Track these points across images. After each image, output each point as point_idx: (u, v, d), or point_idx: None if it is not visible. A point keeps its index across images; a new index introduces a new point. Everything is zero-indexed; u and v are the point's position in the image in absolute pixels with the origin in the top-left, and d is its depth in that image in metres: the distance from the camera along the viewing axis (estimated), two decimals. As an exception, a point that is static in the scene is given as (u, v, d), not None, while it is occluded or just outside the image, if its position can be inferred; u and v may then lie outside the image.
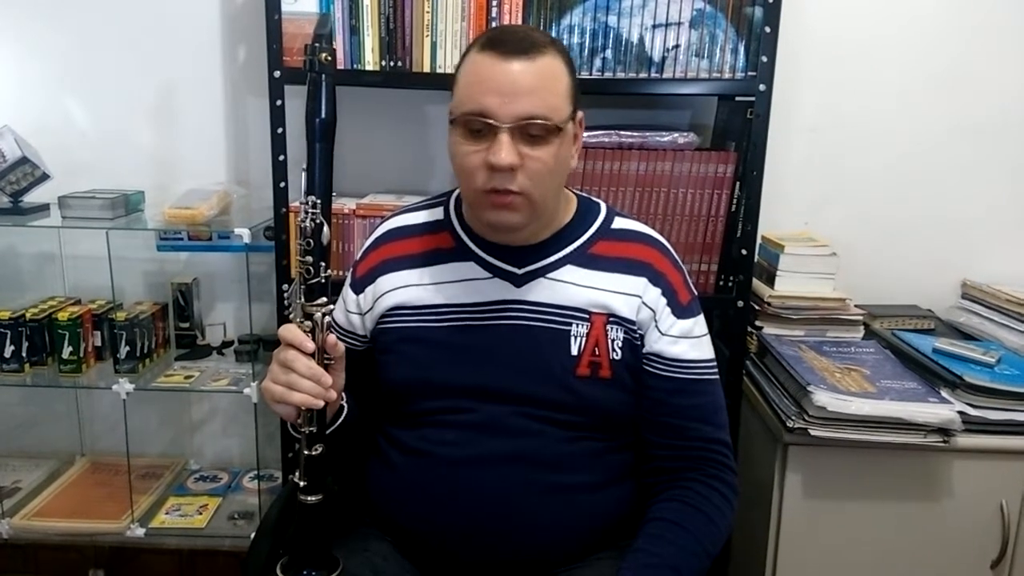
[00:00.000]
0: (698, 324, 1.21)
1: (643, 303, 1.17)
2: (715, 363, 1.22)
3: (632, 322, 1.17)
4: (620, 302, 1.16)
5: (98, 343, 1.89)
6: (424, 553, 1.19)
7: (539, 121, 1.05)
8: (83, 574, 2.08)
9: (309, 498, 1.07)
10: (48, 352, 1.86)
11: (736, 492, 1.19)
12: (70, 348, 1.83)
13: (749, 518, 1.61)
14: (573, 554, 1.17)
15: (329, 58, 1.02)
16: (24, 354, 1.83)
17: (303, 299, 1.05)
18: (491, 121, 1.04)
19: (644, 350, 1.18)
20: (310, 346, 1.03)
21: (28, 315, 1.83)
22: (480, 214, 1.13)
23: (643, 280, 1.18)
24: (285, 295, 1.08)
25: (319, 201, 1.03)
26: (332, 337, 1.06)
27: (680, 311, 1.18)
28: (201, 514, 1.94)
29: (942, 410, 1.41)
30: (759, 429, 1.61)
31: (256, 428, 1.89)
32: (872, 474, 1.48)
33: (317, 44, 1.00)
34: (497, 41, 1.06)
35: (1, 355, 1.82)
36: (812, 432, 1.42)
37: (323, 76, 1.02)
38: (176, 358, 1.97)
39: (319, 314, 1.04)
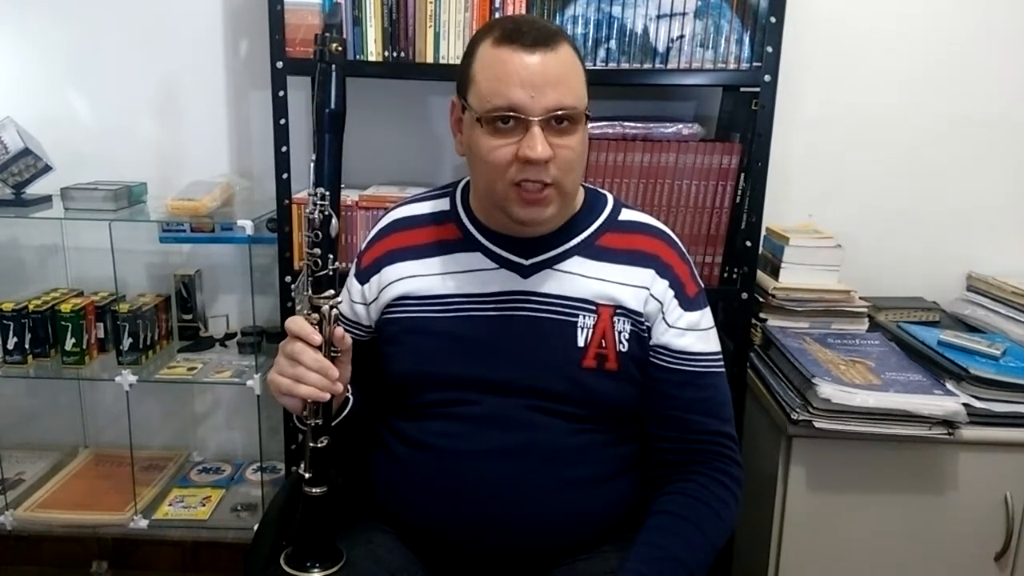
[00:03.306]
0: (705, 317, 1.21)
1: (651, 295, 1.17)
2: (721, 356, 1.22)
3: (640, 314, 1.16)
4: (628, 294, 1.16)
5: (101, 335, 1.89)
6: (428, 545, 1.19)
7: (569, 111, 1.05)
8: (86, 566, 2.08)
9: (314, 490, 1.07)
10: (51, 344, 1.86)
11: (740, 485, 1.19)
12: (73, 340, 1.83)
13: (753, 510, 1.61)
14: (577, 547, 1.17)
15: (340, 48, 1.01)
16: (27, 346, 1.83)
17: (310, 291, 1.04)
18: (521, 115, 1.04)
19: (651, 342, 1.18)
20: (317, 338, 1.03)
21: (31, 307, 1.83)
22: (510, 209, 1.11)
23: (650, 272, 1.18)
24: (292, 288, 1.07)
25: (327, 193, 1.03)
26: (340, 330, 1.06)
27: (687, 304, 1.18)
28: (204, 506, 1.94)
29: (947, 402, 1.41)
30: (763, 421, 1.61)
31: (259, 420, 1.89)
32: (877, 466, 1.48)
33: (328, 34, 1.00)
34: (514, 33, 1.05)
35: (4, 347, 1.82)
36: (816, 424, 1.42)
37: (333, 66, 1.01)
38: (179, 350, 1.97)
39: (326, 306, 1.04)
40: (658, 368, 1.18)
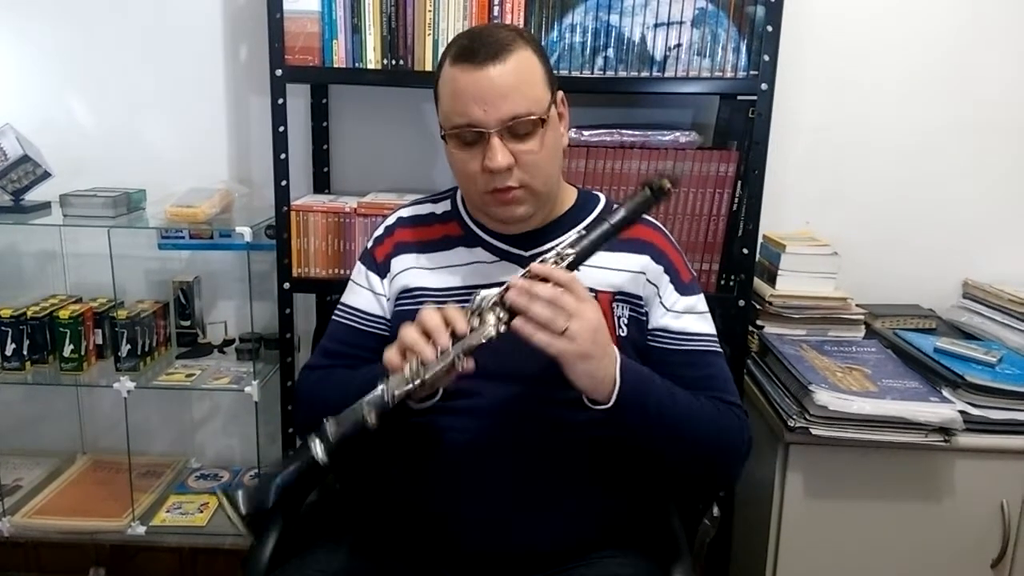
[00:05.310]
0: (700, 301, 1.25)
1: (647, 280, 1.21)
2: (717, 337, 1.24)
3: (639, 297, 1.20)
4: (625, 279, 1.20)
5: (99, 341, 1.89)
6: (427, 544, 1.19)
7: (524, 119, 1.09)
8: (84, 572, 2.08)
9: (319, 452, 0.98)
10: (49, 350, 1.85)
11: (749, 439, 1.19)
12: (71, 346, 1.82)
13: (750, 517, 1.61)
14: (578, 548, 1.17)
15: (671, 189, 1.08)
16: (25, 352, 1.83)
17: (492, 304, 1.02)
18: (480, 129, 1.09)
19: (649, 326, 1.21)
20: (463, 327, 1.00)
21: (29, 313, 1.82)
22: (489, 211, 1.18)
23: (646, 258, 1.22)
24: (476, 296, 1.05)
25: (576, 258, 1.05)
26: (470, 362, 1.02)
27: (683, 288, 1.22)
28: (202, 512, 1.93)
29: (943, 409, 1.41)
30: (760, 428, 1.60)
31: (257, 427, 1.89)
32: (873, 473, 1.48)
33: (669, 175, 1.05)
34: (467, 51, 1.10)
35: (2, 353, 1.82)
36: (813, 431, 1.43)
37: (653, 200, 1.09)
38: (177, 356, 1.97)
39: (493, 319, 1.01)
40: (659, 351, 1.20)
